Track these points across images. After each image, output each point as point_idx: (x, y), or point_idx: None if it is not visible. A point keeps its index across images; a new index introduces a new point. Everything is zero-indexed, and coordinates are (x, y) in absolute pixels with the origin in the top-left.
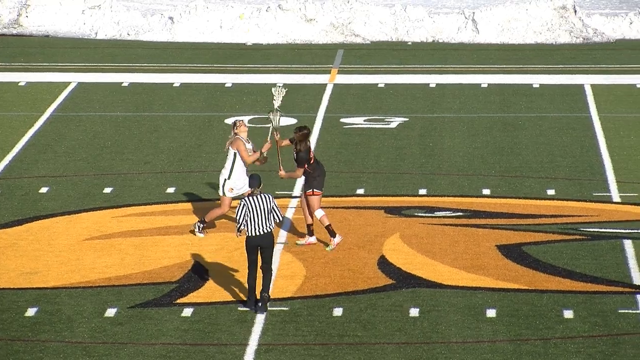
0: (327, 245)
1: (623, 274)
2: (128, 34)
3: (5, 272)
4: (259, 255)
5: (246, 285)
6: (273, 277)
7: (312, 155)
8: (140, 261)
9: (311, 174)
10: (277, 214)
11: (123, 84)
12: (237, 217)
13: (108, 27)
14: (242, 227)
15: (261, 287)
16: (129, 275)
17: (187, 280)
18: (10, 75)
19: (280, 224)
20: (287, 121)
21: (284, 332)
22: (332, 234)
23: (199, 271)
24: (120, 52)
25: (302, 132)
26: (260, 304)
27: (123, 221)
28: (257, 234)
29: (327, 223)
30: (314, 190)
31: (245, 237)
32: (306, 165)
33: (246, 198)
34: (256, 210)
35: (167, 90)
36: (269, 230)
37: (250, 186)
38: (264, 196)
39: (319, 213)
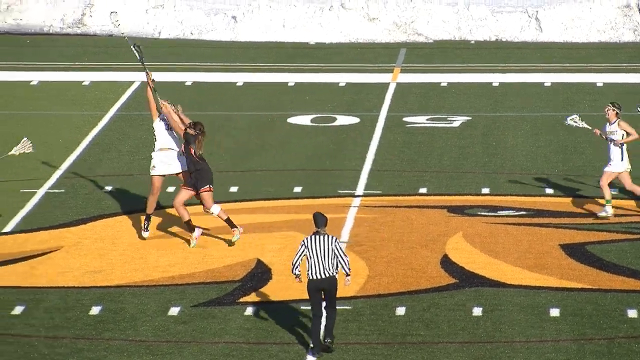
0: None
1: None
2: (191, 33)
3: (69, 271)
4: (323, 296)
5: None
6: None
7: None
8: (204, 260)
9: (202, 170)
10: (343, 261)
11: (186, 83)
12: (294, 258)
13: (171, 27)
14: (297, 270)
15: (324, 330)
16: (192, 274)
17: (250, 279)
18: (74, 75)
19: (346, 272)
20: (350, 120)
21: (346, 331)
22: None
23: (262, 270)
24: (184, 52)
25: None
26: (327, 350)
27: None
28: (319, 277)
29: (226, 217)
30: (210, 186)
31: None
32: (194, 154)
33: (307, 238)
34: (317, 252)
35: (230, 90)
36: (333, 274)
37: (316, 225)
38: (328, 237)
39: (216, 209)
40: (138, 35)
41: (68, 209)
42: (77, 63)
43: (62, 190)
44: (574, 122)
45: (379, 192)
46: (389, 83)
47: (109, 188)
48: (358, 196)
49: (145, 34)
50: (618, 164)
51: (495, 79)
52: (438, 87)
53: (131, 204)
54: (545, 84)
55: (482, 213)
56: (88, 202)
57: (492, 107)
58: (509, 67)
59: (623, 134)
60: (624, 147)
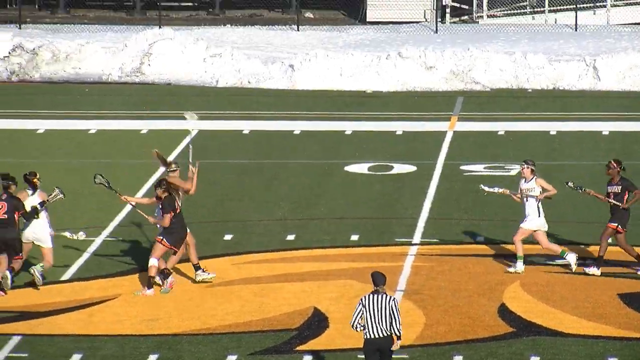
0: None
1: None
2: (249, 82)
3: (127, 319)
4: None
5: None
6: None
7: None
8: (260, 308)
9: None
10: (396, 322)
11: (244, 131)
12: (352, 318)
13: (229, 75)
14: (358, 327)
15: None
16: (248, 322)
17: (307, 328)
18: (132, 123)
19: (396, 334)
20: (407, 168)
21: None
22: (149, 286)
23: (319, 318)
24: (241, 100)
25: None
26: None
27: (243, 268)
28: (376, 336)
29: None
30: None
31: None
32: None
33: (365, 296)
34: (375, 311)
35: (287, 138)
36: (390, 334)
37: (374, 284)
38: (386, 297)
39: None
40: (195, 84)
41: (125, 257)
42: (135, 111)
43: (120, 239)
44: (487, 188)
45: (435, 240)
46: (446, 131)
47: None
48: (415, 244)
49: (202, 82)
50: (534, 221)
51: (553, 127)
52: (495, 135)
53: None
54: (603, 133)
55: (540, 262)
56: (145, 250)
57: (549, 155)
58: (566, 115)
59: (540, 190)
60: (540, 204)
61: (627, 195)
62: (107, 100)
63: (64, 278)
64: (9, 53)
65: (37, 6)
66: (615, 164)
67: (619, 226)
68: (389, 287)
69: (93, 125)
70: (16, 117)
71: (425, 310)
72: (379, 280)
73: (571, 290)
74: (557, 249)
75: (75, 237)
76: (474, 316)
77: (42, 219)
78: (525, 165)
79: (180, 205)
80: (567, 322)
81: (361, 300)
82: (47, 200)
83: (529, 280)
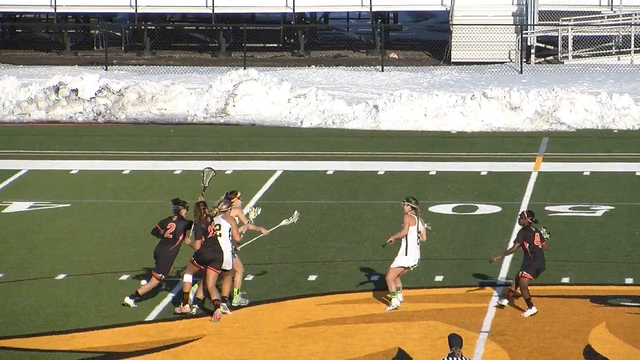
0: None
1: None
2: (333, 122)
3: (212, 359)
4: None
5: None
6: None
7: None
8: (345, 349)
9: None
10: None
11: (328, 172)
12: None
13: (313, 116)
14: None
15: None
16: None
17: None
18: (217, 164)
19: None
20: (492, 209)
21: None
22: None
23: (404, 359)
24: (325, 140)
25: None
26: None
27: (327, 309)
28: None
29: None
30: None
31: None
32: (203, 238)
33: (444, 359)
34: None
35: (372, 178)
36: None
37: (450, 345)
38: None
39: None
40: (280, 125)
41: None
42: (220, 152)
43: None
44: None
45: None
46: (530, 172)
47: (250, 277)
48: (500, 285)
49: (287, 123)
50: (402, 259)
51: (639, 168)
52: (581, 176)
53: (272, 293)
54: None
55: (626, 303)
56: None
57: (636, 196)
58: None
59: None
60: (407, 241)
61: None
62: (192, 141)
63: (148, 318)
64: (96, 94)
65: (123, 48)
66: (526, 215)
67: (523, 272)
68: (474, 329)
69: (178, 166)
70: (102, 159)
71: (510, 352)
72: (455, 341)
73: None
74: (392, 286)
75: (292, 220)
76: (559, 357)
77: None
78: (406, 203)
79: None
80: None
81: None
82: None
83: (615, 322)
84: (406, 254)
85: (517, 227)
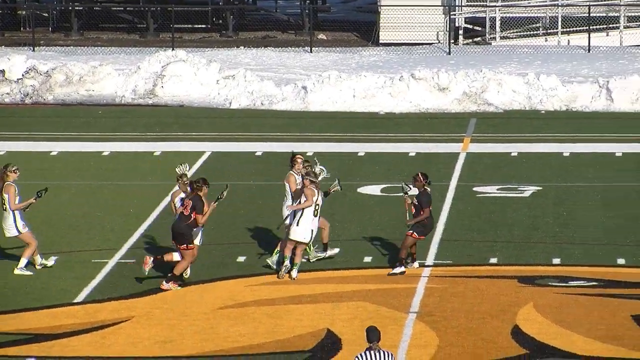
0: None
1: None
2: (262, 104)
3: (140, 341)
4: None
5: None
6: (405, 347)
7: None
8: (274, 330)
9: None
10: None
11: (256, 153)
12: None
13: (242, 97)
14: None
15: None
16: (262, 344)
17: (320, 349)
18: (145, 145)
19: None
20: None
21: None
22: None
23: (332, 340)
24: (254, 122)
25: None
26: None
27: (256, 290)
28: None
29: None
30: None
31: None
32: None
33: (362, 353)
34: None
35: None
36: None
37: (368, 340)
38: (383, 353)
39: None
40: (208, 106)
41: (138, 279)
42: (148, 133)
43: (133, 260)
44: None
45: (449, 262)
46: (459, 153)
47: (179, 258)
48: (428, 266)
49: (216, 104)
50: (296, 230)
51: (566, 148)
52: (508, 157)
53: (201, 274)
54: (617, 154)
55: (553, 283)
56: (157, 272)
57: (563, 177)
58: (579, 137)
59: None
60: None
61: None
62: (120, 122)
63: (77, 300)
64: (23, 75)
65: (50, 29)
66: (421, 177)
67: (414, 233)
68: (403, 309)
69: (106, 147)
70: (30, 140)
71: (438, 332)
72: (373, 336)
73: (585, 312)
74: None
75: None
76: (487, 338)
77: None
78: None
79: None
80: (581, 344)
81: (358, 357)
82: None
83: (543, 302)
84: (298, 225)
85: (446, 208)
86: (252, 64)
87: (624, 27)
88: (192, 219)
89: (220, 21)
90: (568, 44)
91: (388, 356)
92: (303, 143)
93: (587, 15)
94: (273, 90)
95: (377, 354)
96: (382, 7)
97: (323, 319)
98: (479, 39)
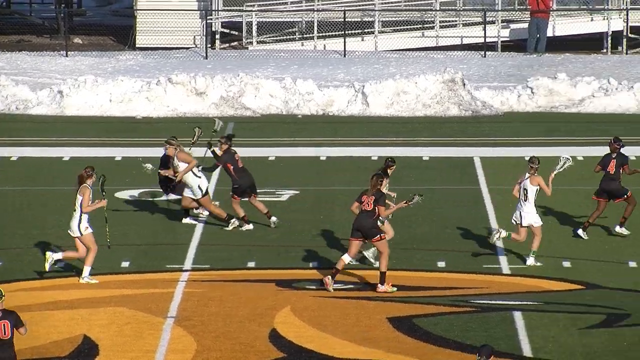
0: None
1: (513, 346)
2: (17, 108)
3: None
4: None
5: None
6: (164, 352)
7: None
8: (30, 336)
9: None
10: None
11: (11, 158)
12: None
13: None
14: None
15: None
16: (18, 350)
17: (76, 355)
18: None
19: None
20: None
21: None
22: None
23: (89, 346)
24: (9, 126)
25: None
26: None
27: (12, 296)
28: None
29: None
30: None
31: None
32: None
33: None
34: None
35: (56, 164)
36: None
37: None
38: None
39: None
40: None
41: None
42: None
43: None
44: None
45: (207, 266)
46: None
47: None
48: (186, 271)
49: None
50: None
51: (323, 152)
52: (266, 161)
53: None
54: (373, 158)
55: (310, 287)
56: None
57: (320, 181)
58: (336, 140)
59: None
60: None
61: None
62: None
63: None
64: None
65: None
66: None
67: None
68: (161, 314)
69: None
70: None
71: (196, 336)
72: (486, 351)
73: (342, 314)
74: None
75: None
76: (245, 342)
77: None
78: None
79: None
80: (338, 347)
81: None
82: None
83: (300, 305)
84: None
85: (205, 212)
86: (7, 68)
87: (379, 32)
88: (377, 214)
89: None
90: (324, 48)
91: None
92: (58, 148)
93: (343, 20)
94: (28, 94)
95: None
96: (138, 11)
97: (80, 325)
98: (235, 43)
